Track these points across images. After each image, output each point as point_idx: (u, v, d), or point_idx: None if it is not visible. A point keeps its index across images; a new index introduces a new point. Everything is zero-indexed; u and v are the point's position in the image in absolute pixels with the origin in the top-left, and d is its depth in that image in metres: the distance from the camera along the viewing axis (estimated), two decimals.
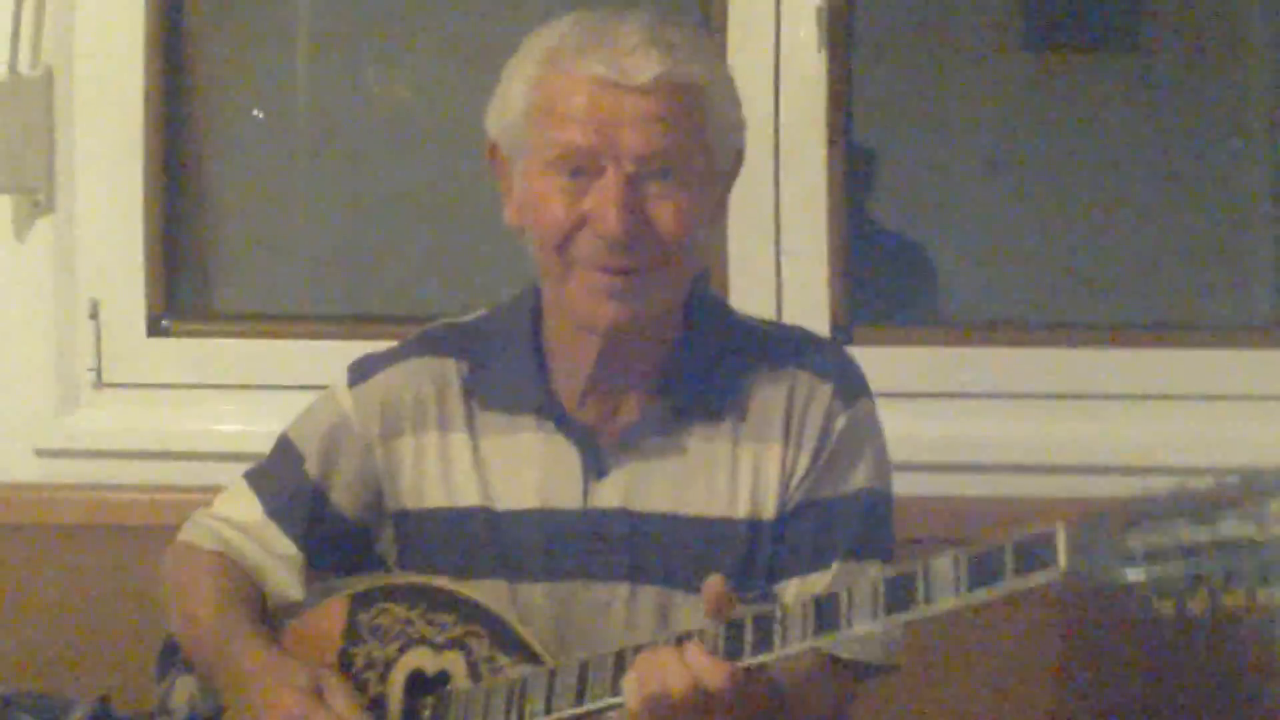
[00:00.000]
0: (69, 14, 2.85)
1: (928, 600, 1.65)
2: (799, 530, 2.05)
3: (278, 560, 2.14)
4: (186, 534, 2.20)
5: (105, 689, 2.54)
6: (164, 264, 2.97)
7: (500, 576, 2.05)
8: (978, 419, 2.88)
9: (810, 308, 2.88)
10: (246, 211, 3.11)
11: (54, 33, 2.85)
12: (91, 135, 2.90)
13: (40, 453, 2.91)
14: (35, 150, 2.84)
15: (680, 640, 1.77)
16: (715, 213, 2.06)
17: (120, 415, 2.94)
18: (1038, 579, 1.59)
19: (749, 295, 2.83)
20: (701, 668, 1.72)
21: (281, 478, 2.17)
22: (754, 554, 2.05)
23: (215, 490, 2.69)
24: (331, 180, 3.16)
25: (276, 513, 2.15)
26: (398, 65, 3.13)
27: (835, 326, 2.89)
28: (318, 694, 1.91)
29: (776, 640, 1.73)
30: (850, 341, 2.83)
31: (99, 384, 2.94)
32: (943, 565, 1.65)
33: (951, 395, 2.90)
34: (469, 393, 2.11)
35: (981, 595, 1.62)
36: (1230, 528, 1.51)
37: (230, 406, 2.94)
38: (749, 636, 1.75)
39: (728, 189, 2.07)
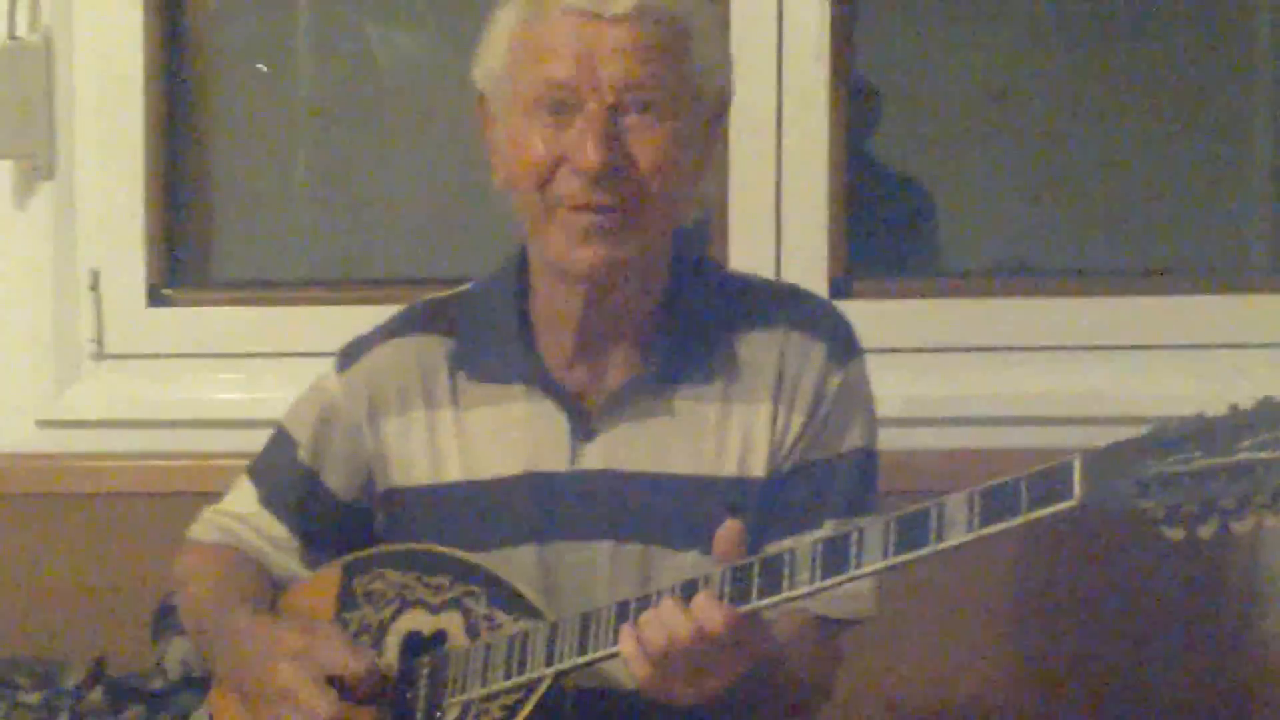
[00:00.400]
0: None
1: (940, 536, 1.63)
2: (793, 492, 2.03)
3: (276, 546, 2.15)
4: (194, 531, 2.23)
5: (102, 650, 2.60)
6: (164, 233, 2.96)
7: (488, 546, 2.02)
8: (978, 372, 2.86)
9: (810, 260, 2.86)
10: (246, 180, 3.09)
11: None
12: (91, 100, 2.89)
13: (41, 423, 2.91)
14: (35, 115, 2.83)
15: (685, 587, 1.76)
16: (705, 160, 2.02)
17: (121, 386, 2.93)
18: (1052, 509, 1.57)
19: (748, 247, 2.82)
20: (703, 612, 1.71)
21: (276, 466, 2.18)
22: (741, 512, 1.98)
23: (216, 458, 2.78)
24: (332, 147, 3.14)
25: (271, 500, 2.16)
26: (398, 30, 3.10)
27: (834, 279, 2.88)
28: (311, 631, 1.93)
29: (785, 583, 1.71)
30: (850, 295, 2.82)
31: (100, 354, 2.93)
32: (956, 501, 1.63)
33: (953, 349, 2.88)
34: (455, 367, 2.09)
35: (997, 528, 1.60)
36: (1245, 454, 1.50)
37: (231, 375, 2.94)
38: (756, 580, 1.72)
39: (715, 133, 2.04)
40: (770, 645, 1.82)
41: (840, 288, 2.86)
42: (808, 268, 2.84)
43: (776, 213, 2.87)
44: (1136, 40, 3.04)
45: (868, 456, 2.06)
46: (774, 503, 2.02)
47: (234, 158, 3.08)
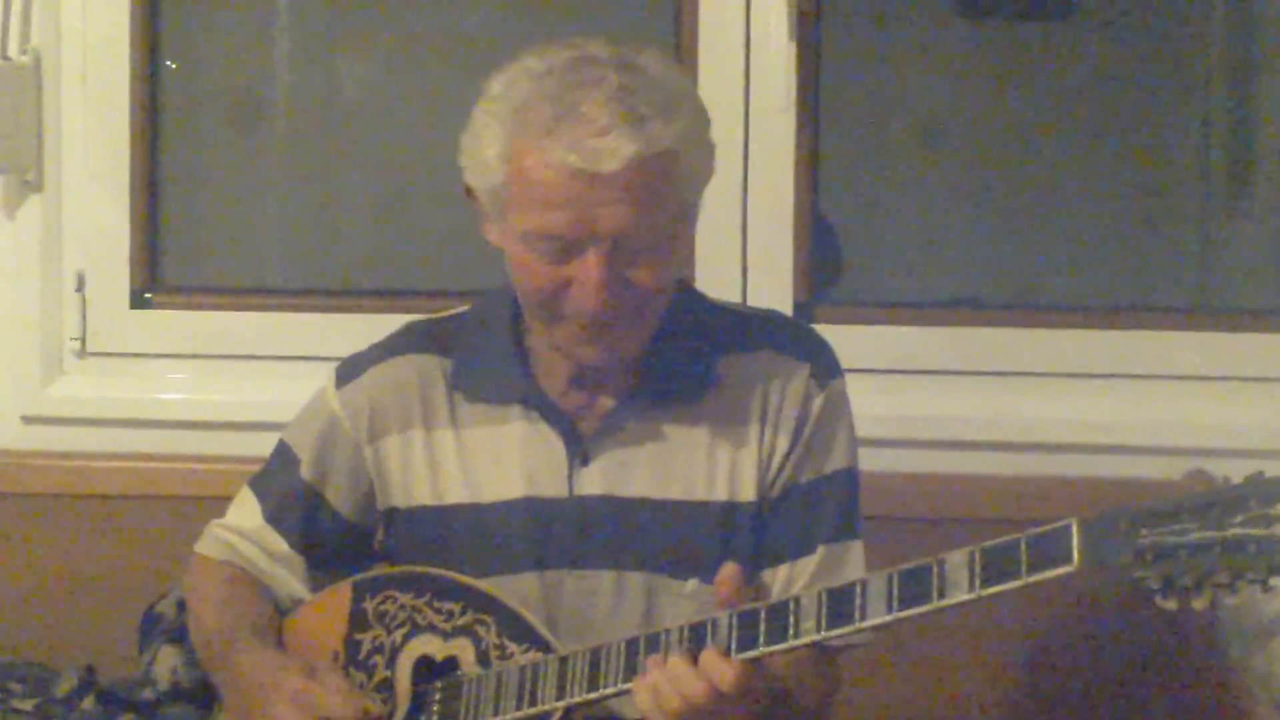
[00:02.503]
0: (55, 1, 2.91)
1: (942, 594, 1.70)
2: (783, 516, 2.09)
3: (280, 563, 2.18)
4: (200, 546, 2.25)
5: (90, 657, 2.60)
6: (147, 239, 3.01)
7: (489, 570, 2.07)
8: (937, 395, 2.95)
9: (775, 284, 2.93)
10: (229, 188, 3.13)
11: (42, 19, 2.89)
12: (79, 117, 2.94)
13: (26, 419, 2.96)
14: (25, 131, 2.88)
15: (693, 632, 1.82)
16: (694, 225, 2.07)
17: (103, 384, 2.98)
18: (1052, 574, 1.64)
19: (714, 271, 2.87)
20: (714, 670, 1.78)
21: (279, 482, 2.20)
22: (733, 537, 2.08)
23: (195, 458, 2.86)
24: (311, 156, 3.17)
25: (274, 516, 2.19)
26: (374, 41, 3.13)
27: (798, 305, 2.94)
28: (312, 674, 1.95)
29: (790, 632, 1.77)
30: (812, 320, 2.86)
31: (83, 353, 2.98)
32: (957, 560, 1.70)
33: (911, 372, 2.95)
34: (453, 387, 2.13)
35: (996, 589, 1.67)
36: (1237, 530, 1.56)
37: (211, 377, 2.99)
38: (763, 628, 1.79)
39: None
40: (776, 685, 1.89)
41: (804, 312, 2.92)
42: (772, 292, 2.91)
43: (743, 237, 2.93)
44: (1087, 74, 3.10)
45: (852, 476, 2.12)
46: (765, 527, 2.08)
47: (216, 167, 3.11)
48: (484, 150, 1.94)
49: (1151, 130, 3.12)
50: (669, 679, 1.79)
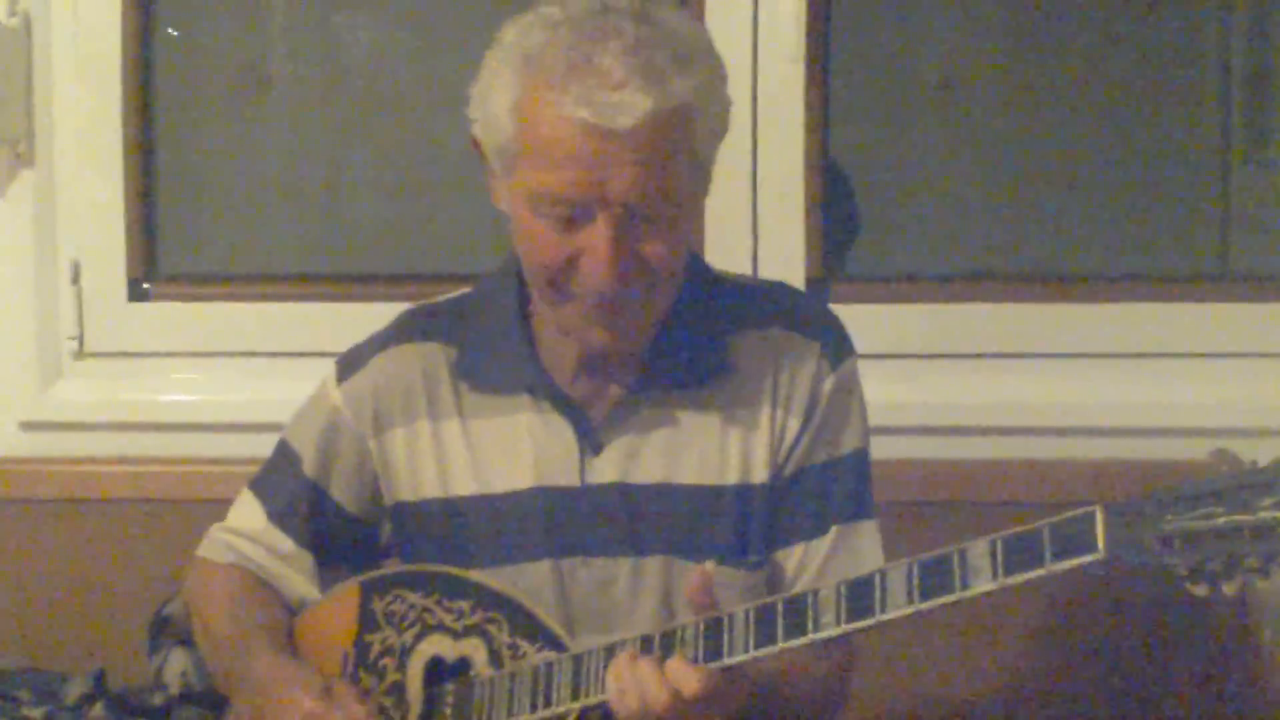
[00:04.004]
0: None
1: (964, 584, 1.66)
2: (797, 497, 2.05)
3: (287, 564, 2.15)
4: (203, 550, 2.22)
5: (98, 663, 2.58)
6: (144, 225, 2.95)
7: (501, 561, 2.04)
8: (952, 376, 2.91)
9: (787, 261, 2.89)
10: (228, 166, 3.06)
11: None
12: (70, 85, 2.86)
13: (24, 425, 2.91)
14: (14, 100, 2.80)
15: (709, 627, 1.79)
16: (707, 189, 2.03)
17: (103, 386, 2.93)
18: (1076, 561, 1.60)
19: (725, 247, 2.82)
20: (679, 678, 1.75)
21: (282, 481, 2.17)
22: (747, 518, 2.05)
23: (202, 460, 2.82)
24: (316, 130, 3.10)
25: (278, 516, 2.16)
26: (367, 27, 3.08)
27: (810, 280, 2.90)
28: (328, 694, 1.92)
29: (809, 625, 1.74)
30: (827, 296, 2.85)
31: (80, 353, 2.93)
32: (979, 549, 1.66)
33: (928, 355, 2.92)
34: (458, 376, 2.09)
35: (1019, 578, 1.63)
36: (1267, 513, 1.53)
37: (215, 375, 2.94)
38: (781, 623, 1.76)
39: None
40: (756, 686, 1.84)
41: (817, 289, 2.88)
42: (785, 268, 2.86)
43: (753, 213, 2.88)
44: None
45: (864, 457, 2.09)
46: (778, 508, 2.05)
47: (214, 150, 3.05)
48: (493, 101, 1.90)
49: (1170, 86, 3.07)
50: (633, 677, 1.77)
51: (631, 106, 1.81)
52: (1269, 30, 3.08)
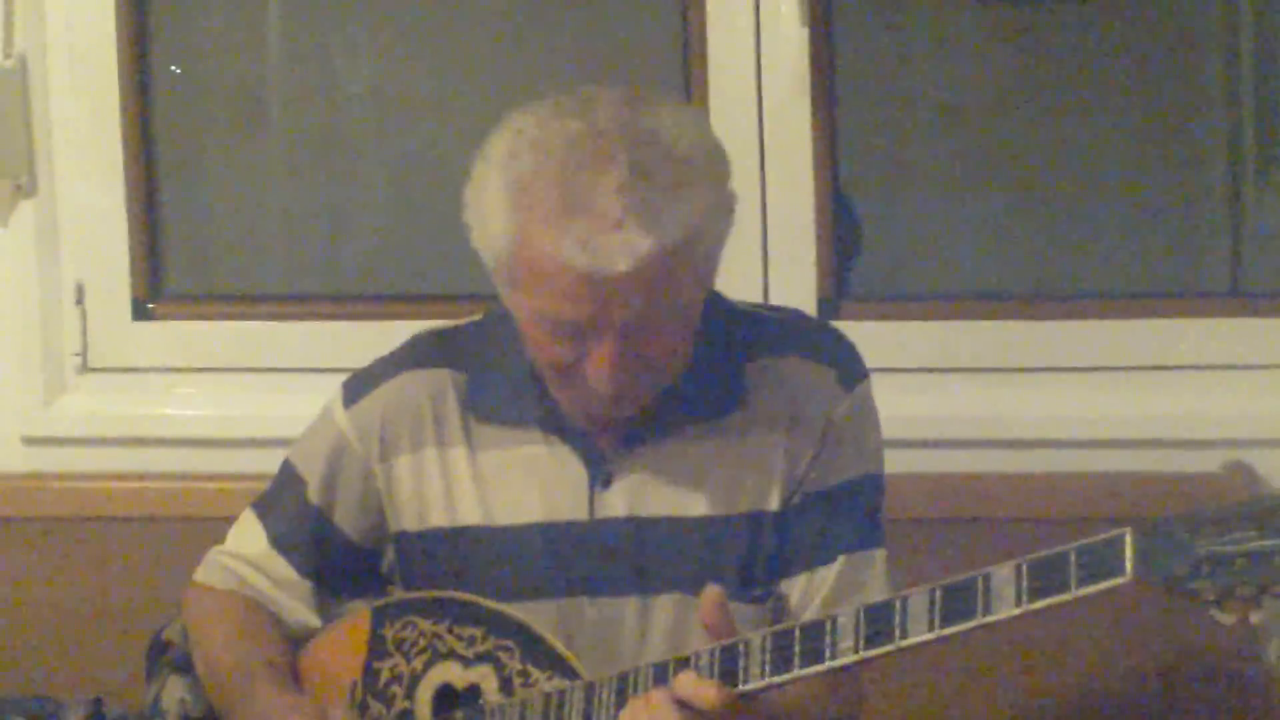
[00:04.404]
0: (39, 3, 2.85)
1: (987, 610, 1.63)
2: (805, 523, 2.01)
3: (288, 591, 2.12)
4: (202, 574, 2.18)
5: (98, 688, 2.54)
6: (148, 246, 2.94)
7: (505, 598, 1.99)
8: (965, 393, 2.88)
9: (798, 282, 2.87)
10: (230, 190, 3.06)
11: (25, 22, 2.84)
12: (70, 121, 2.88)
13: (27, 441, 2.90)
14: (14, 138, 2.83)
15: (725, 654, 1.75)
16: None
17: (107, 401, 2.92)
18: (1104, 585, 1.56)
19: (735, 268, 2.74)
20: (693, 692, 1.72)
21: (285, 505, 2.13)
22: (756, 549, 2.01)
23: (205, 477, 2.81)
24: (315, 153, 3.10)
25: (280, 542, 2.12)
26: (375, 33, 3.06)
27: (821, 302, 2.88)
28: None
29: (827, 652, 1.71)
30: (837, 317, 2.82)
31: (84, 369, 2.92)
32: (1003, 573, 1.63)
33: (940, 370, 2.89)
34: (467, 405, 2.06)
35: (1044, 603, 1.60)
36: None
37: (219, 391, 2.93)
38: (797, 649, 1.72)
39: None
40: (776, 711, 1.81)
41: (828, 310, 2.86)
42: (795, 289, 2.85)
43: (763, 233, 2.86)
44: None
45: (875, 483, 2.05)
46: (788, 536, 2.01)
47: (218, 172, 3.05)
48: (488, 220, 1.85)
49: (1176, 107, 3.04)
50: (645, 706, 1.74)
51: (630, 249, 1.76)
52: (1278, 47, 3.05)
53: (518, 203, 1.81)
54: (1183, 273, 3.06)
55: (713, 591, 1.79)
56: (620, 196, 1.76)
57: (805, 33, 2.81)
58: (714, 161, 1.88)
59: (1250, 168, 3.08)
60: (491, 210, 1.84)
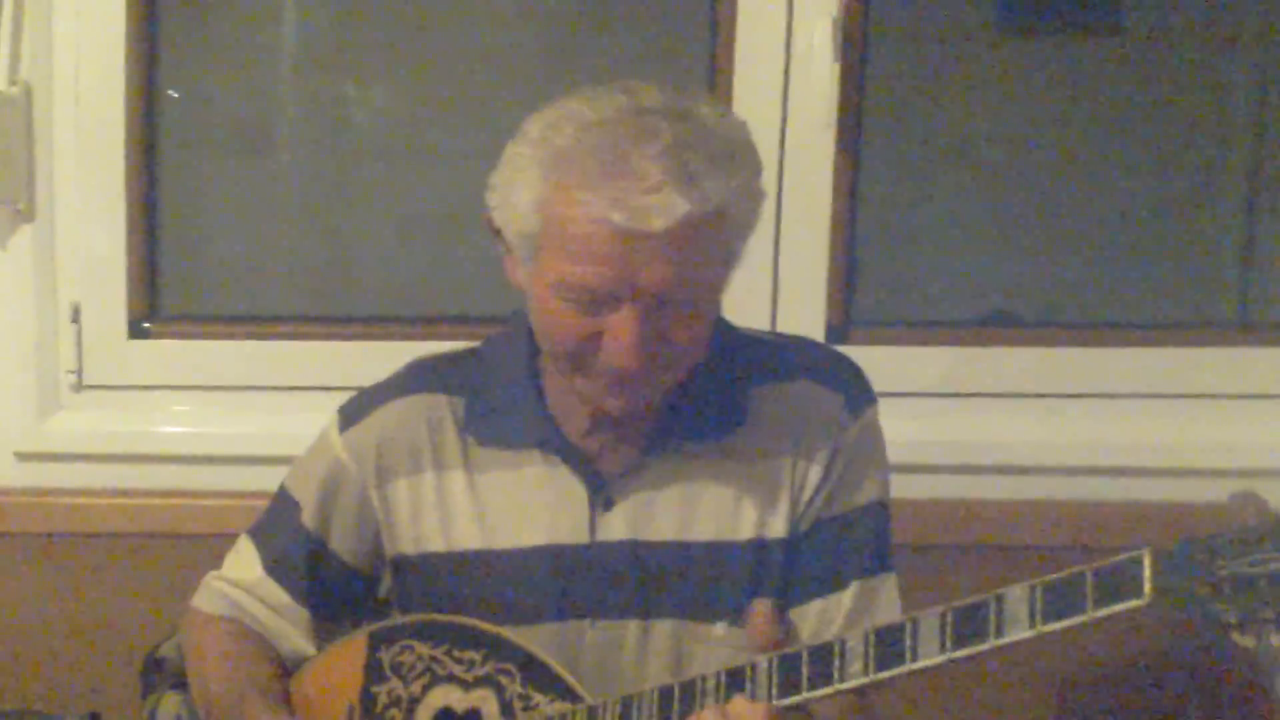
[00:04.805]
0: (46, 32, 2.82)
1: (999, 632, 1.60)
2: (815, 550, 1.99)
3: (283, 617, 2.09)
4: (198, 600, 2.16)
5: (93, 704, 2.59)
6: (145, 267, 2.92)
7: (504, 622, 1.97)
8: (973, 418, 2.87)
9: (808, 307, 2.85)
10: (229, 214, 3.04)
11: (32, 50, 2.81)
12: (72, 146, 2.85)
13: (20, 456, 2.87)
14: (15, 164, 2.81)
15: (730, 678, 1.73)
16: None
17: (101, 418, 2.89)
18: (1119, 608, 1.54)
19: (745, 293, 2.77)
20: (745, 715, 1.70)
21: (280, 531, 2.11)
22: (760, 578, 1.98)
23: (199, 494, 2.80)
24: (313, 179, 3.08)
25: (276, 567, 2.10)
26: (379, 62, 3.04)
27: (830, 328, 2.86)
28: None
29: (836, 675, 1.68)
30: (846, 342, 2.80)
31: (79, 386, 2.89)
32: (1016, 595, 1.60)
33: (948, 395, 2.88)
34: (465, 429, 2.03)
35: (1058, 625, 1.57)
36: None
37: (213, 409, 2.90)
38: (805, 672, 1.69)
39: None
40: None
41: (838, 335, 2.85)
42: (805, 315, 2.83)
43: (775, 259, 2.84)
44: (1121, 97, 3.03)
45: (885, 508, 2.03)
46: (797, 562, 1.98)
47: (215, 193, 3.04)
48: (517, 194, 1.83)
49: (1190, 142, 3.05)
50: None
51: (667, 209, 1.74)
52: None
53: (555, 170, 1.79)
54: (1193, 303, 3.07)
55: (763, 605, 1.78)
56: (660, 160, 1.74)
57: (836, 68, 2.78)
58: (750, 150, 1.86)
59: (1265, 200, 3.08)
60: (522, 181, 1.82)
